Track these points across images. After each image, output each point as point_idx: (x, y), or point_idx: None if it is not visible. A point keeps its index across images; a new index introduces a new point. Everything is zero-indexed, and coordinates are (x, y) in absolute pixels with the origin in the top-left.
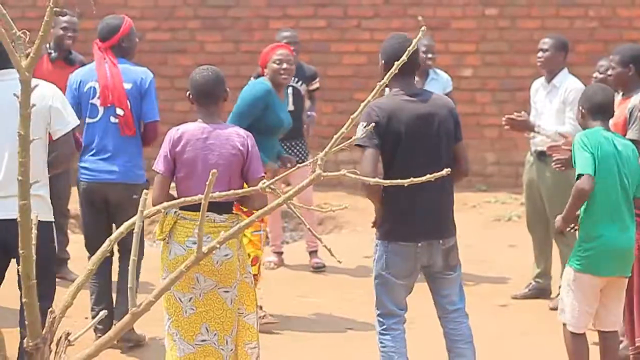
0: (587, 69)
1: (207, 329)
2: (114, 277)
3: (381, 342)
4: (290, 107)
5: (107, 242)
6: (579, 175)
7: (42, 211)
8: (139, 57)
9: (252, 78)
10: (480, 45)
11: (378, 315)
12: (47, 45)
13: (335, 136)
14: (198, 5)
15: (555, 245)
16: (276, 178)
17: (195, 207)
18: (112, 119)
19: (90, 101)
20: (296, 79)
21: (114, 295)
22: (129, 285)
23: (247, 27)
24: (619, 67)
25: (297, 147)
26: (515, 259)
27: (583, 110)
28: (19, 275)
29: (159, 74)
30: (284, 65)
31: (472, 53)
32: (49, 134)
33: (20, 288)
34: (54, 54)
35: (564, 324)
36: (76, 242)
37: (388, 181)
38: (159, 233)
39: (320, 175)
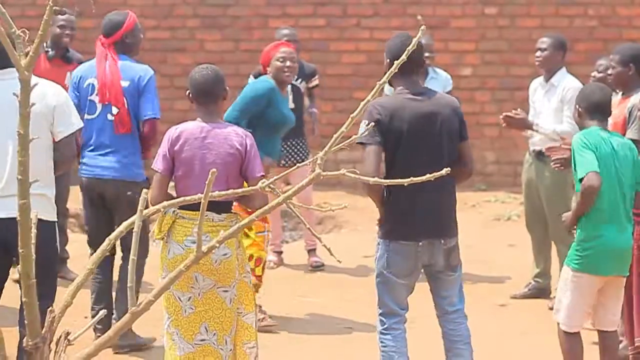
0: (586, 68)
1: (206, 329)
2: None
3: (382, 342)
4: (291, 105)
5: (106, 241)
6: (584, 174)
7: (46, 210)
8: (139, 56)
9: (250, 76)
10: (479, 44)
11: (380, 314)
12: (45, 44)
13: (335, 135)
14: (197, 3)
15: (554, 245)
16: (276, 177)
17: (193, 207)
18: (109, 117)
19: (89, 98)
20: (296, 77)
21: (114, 295)
22: (128, 285)
23: (247, 25)
24: (619, 66)
25: (298, 146)
26: (515, 258)
27: (580, 109)
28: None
29: (159, 72)
30: (288, 63)
31: (472, 52)
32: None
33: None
34: (51, 52)
35: (558, 323)
36: (76, 241)
37: (387, 180)
38: (158, 232)
39: (320, 175)
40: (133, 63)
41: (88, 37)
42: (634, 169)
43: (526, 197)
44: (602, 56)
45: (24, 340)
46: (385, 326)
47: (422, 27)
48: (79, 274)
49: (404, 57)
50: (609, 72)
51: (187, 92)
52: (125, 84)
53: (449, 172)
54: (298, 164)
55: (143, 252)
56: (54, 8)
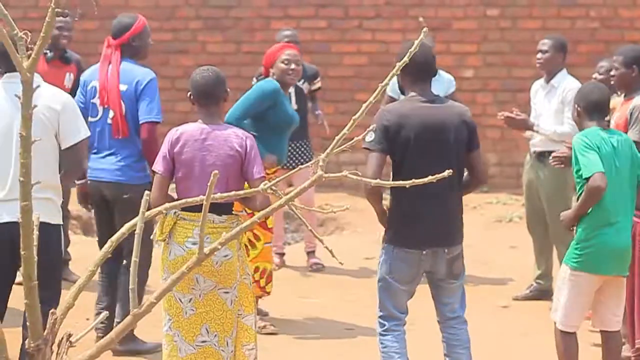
0: (588, 69)
1: (207, 330)
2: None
3: (382, 343)
4: (294, 106)
5: (108, 243)
6: (590, 174)
7: (52, 214)
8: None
9: (254, 79)
10: (481, 45)
11: (380, 317)
12: None
13: (337, 137)
14: (199, 5)
15: (554, 246)
16: (278, 179)
17: (194, 208)
18: (109, 120)
19: (92, 100)
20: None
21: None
22: (130, 287)
23: (249, 27)
24: (622, 67)
25: (302, 148)
26: (516, 260)
27: (579, 109)
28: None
29: (160, 74)
30: (292, 66)
31: (474, 54)
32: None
33: None
34: (49, 54)
35: (555, 323)
36: (78, 243)
37: (389, 182)
38: (159, 234)
39: (322, 177)
40: (135, 66)
41: (89, 38)
42: (632, 167)
43: (527, 199)
44: (603, 58)
45: (26, 342)
46: (385, 327)
47: (424, 29)
48: (80, 275)
49: (405, 59)
50: (612, 73)
51: (188, 93)
52: (123, 87)
53: (451, 173)
54: (300, 166)
55: (146, 257)
56: (56, 10)
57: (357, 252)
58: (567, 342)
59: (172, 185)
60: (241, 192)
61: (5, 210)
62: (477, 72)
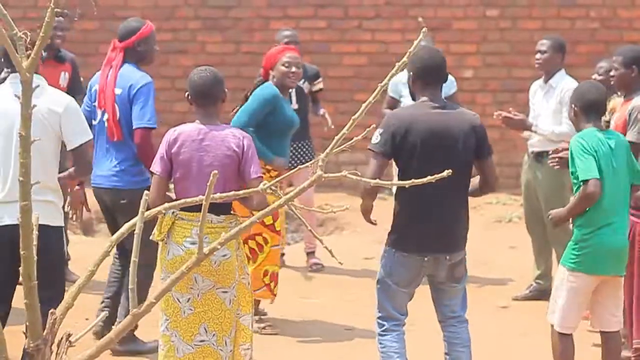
0: (587, 70)
1: (205, 330)
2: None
3: (381, 343)
4: (294, 106)
5: (107, 242)
6: (585, 180)
7: (52, 217)
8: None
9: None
10: (481, 46)
11: (378, 317)
12: None
13: (337, 137)
14: (199, 5)
15: (552, 247)
16: (278, 179)
17: (192, 208)
18: (106, 124)
19: (93, 103)
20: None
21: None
22: (130, 286)
23: (248, 27)
24: (622, 68)
25: (304, 149)
26: (516, 260)
27: (576, 109)
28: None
29: (160, 74)
30: (293, 69)
31: (473, 54)
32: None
33: None
34: (44, 54)
35: (552, 325)
36: (77, 243)
37: (388, 182)
38: (158, 234)
39: (322, 177)
40: (134, 70)
41: (89, 38)
42: (626, 170)
43: (525, 199)
44: (602, 58)
45: (26, 342)
46: (385, 328)
47: (424, 29)
48: (80, 275)
49: (405, 58)
50: (611, 74)
51: (186, 93)
52: (118, 91)
53: (450, 174)
54: (300, 166)
55: (151, 258)
56: (55, 10)
57: (356, 252)
58: (564, 343)
59: (172, 186)
60: (240, 192)
61: (6, 212)
62: (477, 72)
